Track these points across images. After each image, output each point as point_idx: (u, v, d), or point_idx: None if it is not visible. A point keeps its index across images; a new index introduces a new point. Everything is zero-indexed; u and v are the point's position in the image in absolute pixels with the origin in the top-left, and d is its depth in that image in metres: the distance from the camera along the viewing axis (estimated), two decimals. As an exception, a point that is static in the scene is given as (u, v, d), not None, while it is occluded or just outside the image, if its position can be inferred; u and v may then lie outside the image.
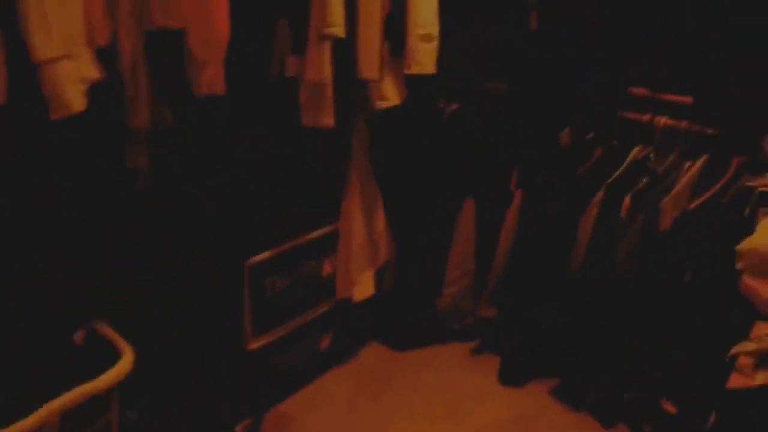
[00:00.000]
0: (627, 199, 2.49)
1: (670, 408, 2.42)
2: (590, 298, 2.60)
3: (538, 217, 2.74)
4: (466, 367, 2.97)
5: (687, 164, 2.46)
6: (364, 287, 2.86)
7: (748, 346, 1.65)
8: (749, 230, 2.24)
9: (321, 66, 2.22)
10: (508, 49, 2.90)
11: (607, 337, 2.58)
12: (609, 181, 2.56)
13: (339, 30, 2.18)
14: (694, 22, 2.46)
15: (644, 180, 2.50)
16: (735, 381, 1.57)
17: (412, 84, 2.64)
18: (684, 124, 2.47)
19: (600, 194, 2.56)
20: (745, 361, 1.61)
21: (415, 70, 2.54)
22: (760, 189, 2.26)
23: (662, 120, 2.52)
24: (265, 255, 2.45)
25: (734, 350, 1.66)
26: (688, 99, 2.47)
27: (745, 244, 1.85)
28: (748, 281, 1.79)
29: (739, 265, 1.83)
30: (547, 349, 2.81)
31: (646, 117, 2.55)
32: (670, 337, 2.38)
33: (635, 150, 2.57)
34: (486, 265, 2.94)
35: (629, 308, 2.50)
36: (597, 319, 2.59)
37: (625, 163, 2.57)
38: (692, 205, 2.37)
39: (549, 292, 2.74)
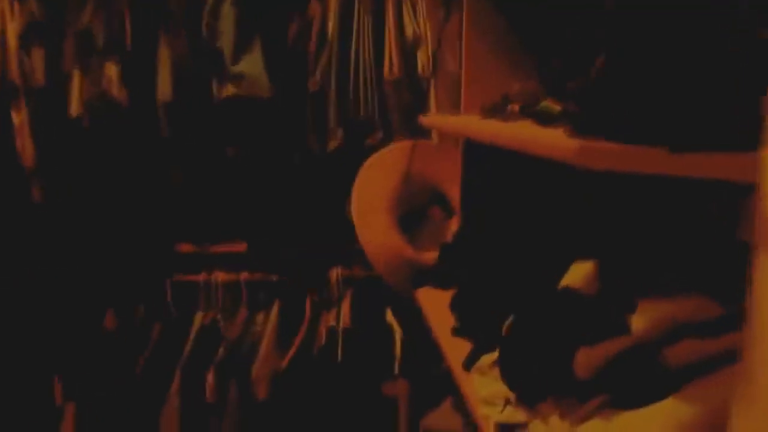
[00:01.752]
0: (210, 377, 2.10)
1: None
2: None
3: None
4: None
5: (260, 316, 2.20)
6: None
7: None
8: (349, 374, 2.11)
9: None
10: None
11: None
12: (182, 360, 2.13)
13: None
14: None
15: (221, 350, 2.14)
16: None
17: None
18: (244, 275, 2.20)
19: (175, 382, 2.11)
20: None
21: None
22: (343, 327, 2.14)
23: (220, 276, 2.20)
24: None
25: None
26: (241, 246, 2.21)
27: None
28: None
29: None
30: None
31: (201, 276, 2.20)
32: None
33: (198, 317, 2.20)
34: None
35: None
36: None
37: (192, 336, 2.17)
38: (283, 363, 2.10)
39: None
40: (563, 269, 0.86)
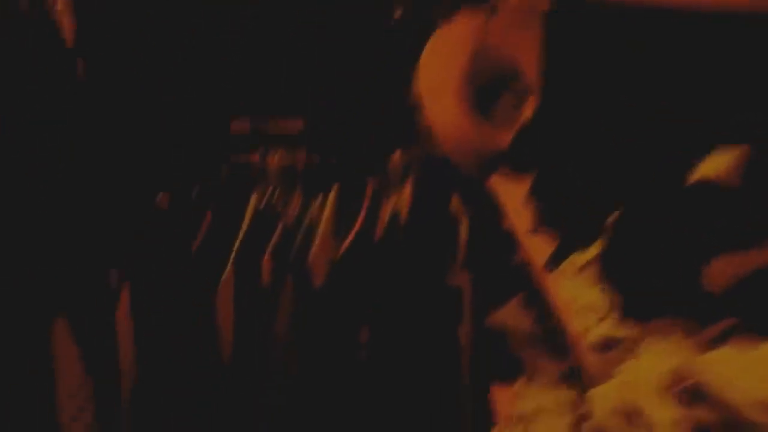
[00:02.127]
0: (265, 263, 2.01)
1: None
2: (256, 394, 2.09)
3: (159, 316, 2.09)
4: None
5: (318, 201, 2.07)
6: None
7: None
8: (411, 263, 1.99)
9: None
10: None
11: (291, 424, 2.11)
12: (236, 246, 2.04)
13: None
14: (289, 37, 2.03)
15: (276, 235, 2.03)
16: None
17: None
18: (301, 156, 2.06)
19: (229, 267, 2.03)
20: None
21: None
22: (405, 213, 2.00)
23: (277, 156, 2.07)
24: None
25: None
26: (298, 124, 2.06)
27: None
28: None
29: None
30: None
31: (256, 156, 2.07)
32: (372, 401, 2.01)
33: (253, 199, 2.09)
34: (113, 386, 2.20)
35: (307, 387, 2.05)
36: (272, 411, 2.10)
37: (247, 218, 2.07)
38: (341, 250, 1.99)
39: (205, 396, 2.15)
40: (691, 155, 0.68)
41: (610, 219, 0.75)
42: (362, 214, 2.01)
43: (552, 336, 1.26)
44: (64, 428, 2.18)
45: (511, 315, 1.44)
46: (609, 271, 0.72)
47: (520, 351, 1.37)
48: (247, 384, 2.09)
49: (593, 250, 0.80)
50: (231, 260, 2.02)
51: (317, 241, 1.98)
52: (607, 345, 0.70)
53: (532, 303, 1.41)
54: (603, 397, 0.65)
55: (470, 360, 1.99)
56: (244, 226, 2.04)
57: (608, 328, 0.71)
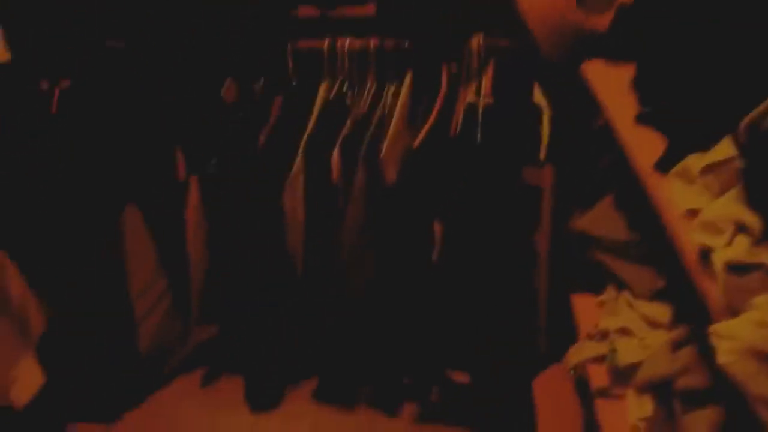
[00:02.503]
0: (336, 155, 1.92)
1: (461, 378, 2.03)
2: (325, 288, 2.06)
3: (229, 208, 2.05)
4: (206, 403, 2.29)
5: (391, 89, 1.94)
6: (26, 382, 1.98)
7: (588, 349, 1.21)
8: (489, 158, 1.86)
9: None
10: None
11: (362, 323, 2.08)
12: (305, 137, 1.95)
13: None
14: None
15: (347, 124, 1.93)
16: (604, 410, 1.13)
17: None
18: (373, 41, 1.92)
19: (299, 160, 1.95)
20: (596, 373, 1.17)
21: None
22: (484, 104, 1.85)
23: (347, 42, 1.93)
24: None
25: (573, 359, 1.22)
26: (370, 8, 1.91)
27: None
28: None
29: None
30: (293, 354, 2.25)
31: (325, 43, 1.94)
32: (444, 306, 1.95)
33: (322, 88, 1.97)
34: (184, 278, 2.21)
35: (378, 286, 2.00)
36: (342, 308, 2.07)
37: (316, 109, 1.97)
38: (416, 143, 1.88)
39: (275, 291, 2.13)
40: None
41: (746, 119, 0.62)
42: (438, 104, 1.88)
43: (650, 248, 1.14)
44: (139, 321, 2.22)
45: (602, 220, 1.31)
46: (745, 179, 0.59)
47: (607, 260, 1.26)
48: (316, 281, 2.06)
49: (719, 152, 0.67)
50: (300, 153, 1.95)
51: (390, 132, 1.87)
52: (737, 271, 0.58)
53: (625, 207, 1.28)
54: (730, 335, 0.54)
55: (548, 265, 1.89)
56: (313, 118, 1.95)
57: (741, 250, 0.59)
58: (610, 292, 1.27)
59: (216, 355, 2.33)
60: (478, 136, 1.83)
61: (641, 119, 0.97)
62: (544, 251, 1.88)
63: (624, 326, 1.13)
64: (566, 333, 1.82)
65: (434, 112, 1.88)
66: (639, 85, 1.04)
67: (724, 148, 0.68)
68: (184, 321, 2.29)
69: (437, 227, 1.87)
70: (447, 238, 1.86)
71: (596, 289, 1.36)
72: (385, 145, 1.86)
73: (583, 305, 1.33)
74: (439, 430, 2.10)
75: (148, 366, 2.30)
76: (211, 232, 2.11)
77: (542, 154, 1.84)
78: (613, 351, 1.12)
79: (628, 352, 1.10)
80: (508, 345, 1.94)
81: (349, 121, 1.93)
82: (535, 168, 1.85)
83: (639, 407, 1.07)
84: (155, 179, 2.07)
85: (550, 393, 1.65)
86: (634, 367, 1.08)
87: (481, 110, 1.84)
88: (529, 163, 1.85)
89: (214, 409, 2.25)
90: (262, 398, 2.24)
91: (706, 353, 0.71)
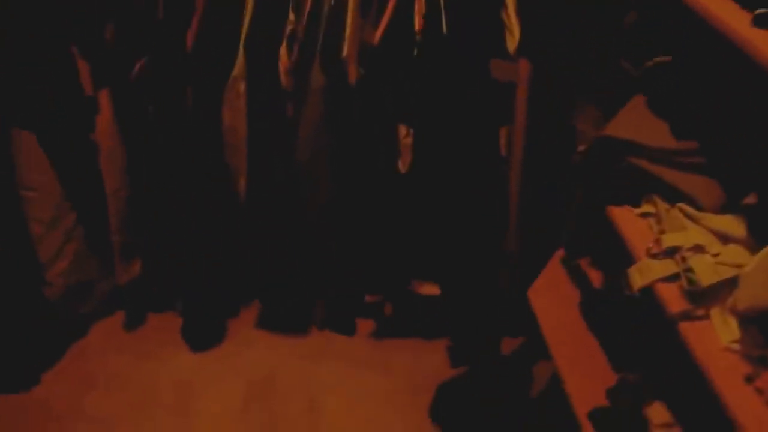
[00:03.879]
0: (283, 53, 1.63)
1: (430, 289, 1.89)
2: (274, 207, 1.82)
3: (152, 126, 1.73)
4: (138, 349, 2.02)
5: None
6: None
7: (655, 269, 1.08)
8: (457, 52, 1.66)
9: None
10: None
11: (317, 242, 1.88)
12: (244, 33, 1.65)
13: None
14: None
15: (291, 17, 1.64)
16: (691, 334, 1.02)
17: None
18: None
19: (239, 61, 1.65)
20: (668, 295, 1.06)
21: None
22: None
23: None
24: None
25: (638, 280, 1.10)
26: None
27: None
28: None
29: None
30: (233, 283, 2.02)
31: None
32: (413, 216, 1.77)
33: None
34: (98, 211, 1.88)
35: (338, 202, 1.80)
36: (295, 228, 1.85)
37: (250, 4, 1.65)
38: (376, 38, 1.64)
39: (212, 218, 1.86)
40: None
41: None
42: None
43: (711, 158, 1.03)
44: (46, 265, 1.88)
45: (640, 126, 1.18)
46: None
47: (657, 170, 1.14)
48: (262, 202, 1.81)
49: None
50: (240, 53, 1.64)
51: (348, 25, 1.60)
52: None
53: (669, 113, 1.16)
54: None
55: (521, 168, 1.76)
56: (249, 8, 1.64)
57: None
58: (657, 204, 1.16)
59: (140, 293, 2.05)
60: (444, 27, 1.62)
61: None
62: (518, 152, 1.75)
63: (697, 243, 1.03)
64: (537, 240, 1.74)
65: (391, 2, 1.65)
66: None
67: None
68: (102, 259, 1.97)
69: (402, 131, 1.67)
70: (414, 143, 1.67)
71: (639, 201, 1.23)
72: (346, 40, 1.60)
73: (625, 218, 1.21)
74: (401, 345, 2.01)
75: (64, 316, 1.99)
76: (130, 156, 1.79)
77: (511, 46, 1.67)
78: (689, 270, 1.02)
79: (706, 272, 1.00)
80: (482, 252, 1.82)
81: (292, 13, 1.64)
82: (508, 62, 1.68)
83: (727, 329, 0.99)
84: (52, 94, 1.68)
85: (549, 301, 1.56)
86: (718, 288, 0.99)
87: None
88: (500, 56, 1.68)
89: (148, 354, 1.99)
90: (203, 335, 2.02)
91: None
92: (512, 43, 1.66)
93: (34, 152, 1.74)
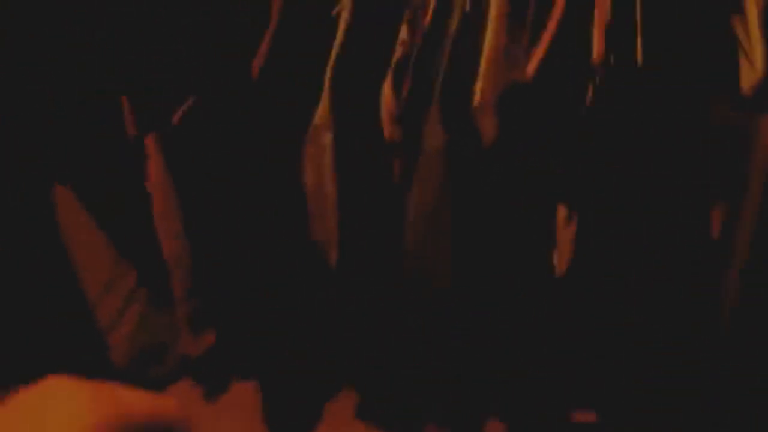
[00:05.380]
0: (387, 92, 1.11)
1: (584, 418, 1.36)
2: (371, 286, 1.34)
3: (212, 177, 1.28)
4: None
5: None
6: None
7: None
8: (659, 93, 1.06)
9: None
10: None
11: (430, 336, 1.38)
12: (331, 62, 1.13)
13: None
14: None
15: (404, 38, 1.10)
16: None
17: None
18: None
19: (323, 102, 1.14)
20: None
21: None
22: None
23: None
24: None
25: None
26: None
27: None
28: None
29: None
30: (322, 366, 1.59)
31: None
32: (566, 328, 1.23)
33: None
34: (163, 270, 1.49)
35: (456, 290, 1.28)
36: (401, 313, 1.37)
37: (345, 14, 1.13)
38: (529, 71, 1.07)
39: (294, 288, 1.42)
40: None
41: None
42: (557, 13, 1.04)
43: None
44: (105, 331, 1.54)
45: None
46: None
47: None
48: (356, 277, 1.33)
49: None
50: (325, 90, 1.14)
51: (486, 53, 1.04)
52: None
53: None
54: None
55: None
56: (341, 30, 1.12)
57: None
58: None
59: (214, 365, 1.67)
60: (638, 54, 1.02)
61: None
62: (744, 238, 1.13)
63: None
64: None
65: (557, 10, 1.06)
66: None
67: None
68: (174, 321, 1.61)
69: (562, 215, 1.10)
70: (579, 233, 1.10)
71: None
72: (480, 78, 1.04)
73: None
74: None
75: (133, 381, 1.65)
76: (186, 211, 1.36)
77: (749, 82, 1.04)
78: None
79: None
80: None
81: (405, 28, 1.10)
82: (738, 107, 1.05)
83: None
84: (90, 144, 1.27)
85: None
86: None
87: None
88: (729, 100, 1.05)
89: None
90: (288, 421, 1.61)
91: None
92: (751, 76, 1.03)
93: (75, 209, 1.36)
